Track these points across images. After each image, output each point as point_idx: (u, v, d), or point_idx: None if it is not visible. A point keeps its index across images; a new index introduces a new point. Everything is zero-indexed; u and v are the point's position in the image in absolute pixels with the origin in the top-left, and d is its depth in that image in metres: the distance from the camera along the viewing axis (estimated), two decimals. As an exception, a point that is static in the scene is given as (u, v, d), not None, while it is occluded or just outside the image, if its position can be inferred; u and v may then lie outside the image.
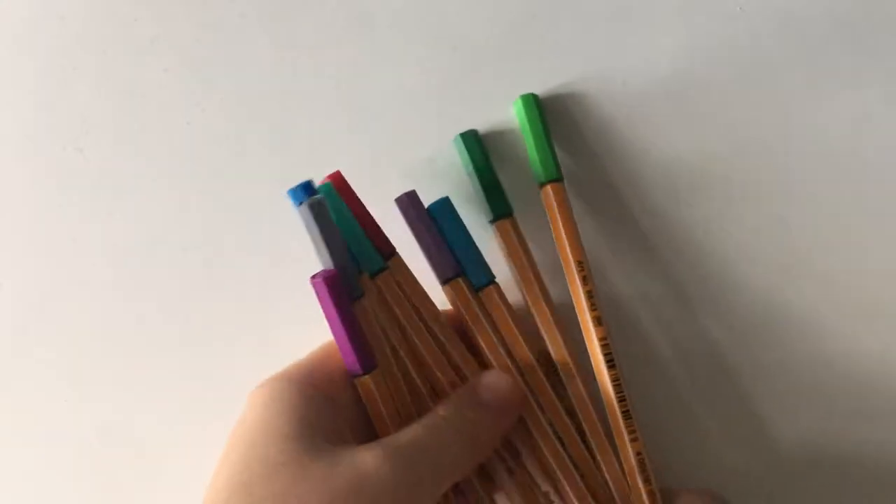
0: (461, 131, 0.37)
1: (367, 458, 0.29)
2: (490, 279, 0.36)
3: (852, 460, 0.37)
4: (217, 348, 0.38)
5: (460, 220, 0.36)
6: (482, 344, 0.36)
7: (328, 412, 0.31)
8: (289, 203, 0.32)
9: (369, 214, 0.35)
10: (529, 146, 0.37)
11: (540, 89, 0.37)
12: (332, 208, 0.33)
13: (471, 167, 0.37)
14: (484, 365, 0.36)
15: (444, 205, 0.36)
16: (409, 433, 0.31)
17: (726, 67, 0.36)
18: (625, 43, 0.36)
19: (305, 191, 0.33)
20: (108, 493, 0.39)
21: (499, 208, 0.37)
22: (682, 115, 0.36)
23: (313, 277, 0.32)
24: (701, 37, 0.36)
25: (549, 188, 0.36)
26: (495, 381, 0.34)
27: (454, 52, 0.37)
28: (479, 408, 0.33)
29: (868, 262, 0.37)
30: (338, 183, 0.35)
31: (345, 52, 0.37)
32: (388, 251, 0.35)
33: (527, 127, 0.37)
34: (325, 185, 0.34)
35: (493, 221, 0.37)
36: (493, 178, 0.37)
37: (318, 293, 0.32)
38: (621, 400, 0.35)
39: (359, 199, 0.35)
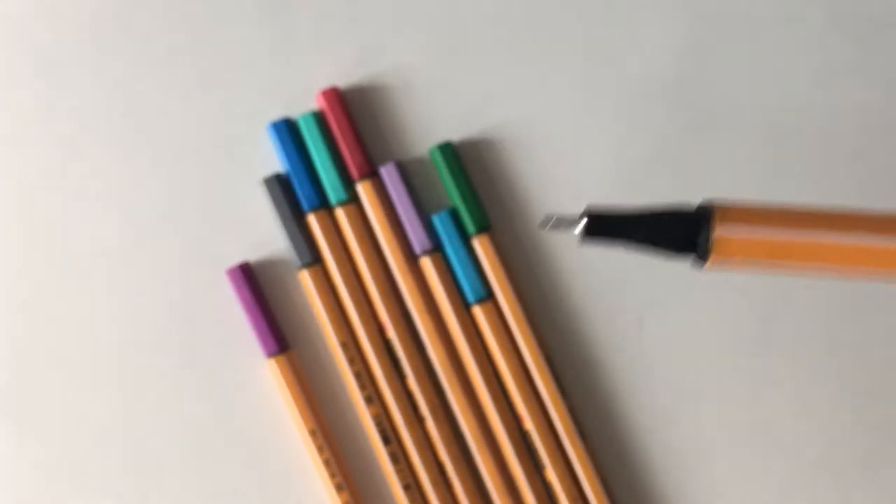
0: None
1: None
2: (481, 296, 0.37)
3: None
4: (216, 344, 0.37)
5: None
6: None
7: None
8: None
9: (355, 135, 0.37)
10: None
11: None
12: (310, 135, 0.37)
13: (449, 181, 0.38)
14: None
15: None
16: None
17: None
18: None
19: (285, 125, 0.37)
20: (107, 494, 0.37)
21: (479, 222, 0.38)
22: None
23: (228, 270, 0.37)
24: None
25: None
26: None
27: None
28: None
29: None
30: (329, 100, 0.37)
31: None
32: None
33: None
34: (305, 116, 0.37)
35: (473, 235, 0.38)
36: (472, 191, 0.38)
37: (233, 282, 0.37)
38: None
39: (348, 118, 0.37)
